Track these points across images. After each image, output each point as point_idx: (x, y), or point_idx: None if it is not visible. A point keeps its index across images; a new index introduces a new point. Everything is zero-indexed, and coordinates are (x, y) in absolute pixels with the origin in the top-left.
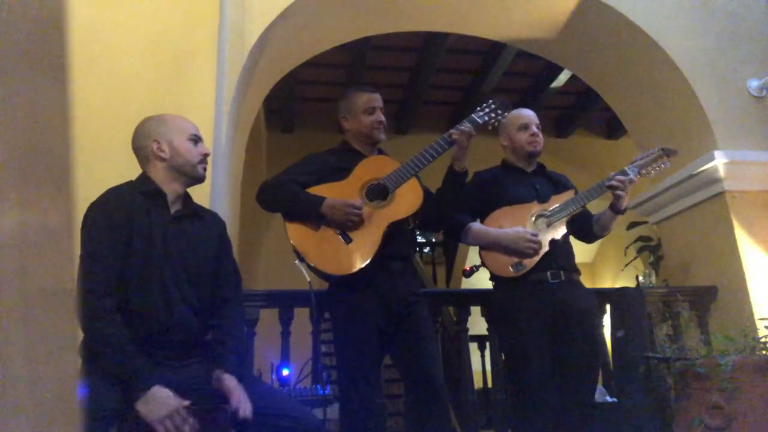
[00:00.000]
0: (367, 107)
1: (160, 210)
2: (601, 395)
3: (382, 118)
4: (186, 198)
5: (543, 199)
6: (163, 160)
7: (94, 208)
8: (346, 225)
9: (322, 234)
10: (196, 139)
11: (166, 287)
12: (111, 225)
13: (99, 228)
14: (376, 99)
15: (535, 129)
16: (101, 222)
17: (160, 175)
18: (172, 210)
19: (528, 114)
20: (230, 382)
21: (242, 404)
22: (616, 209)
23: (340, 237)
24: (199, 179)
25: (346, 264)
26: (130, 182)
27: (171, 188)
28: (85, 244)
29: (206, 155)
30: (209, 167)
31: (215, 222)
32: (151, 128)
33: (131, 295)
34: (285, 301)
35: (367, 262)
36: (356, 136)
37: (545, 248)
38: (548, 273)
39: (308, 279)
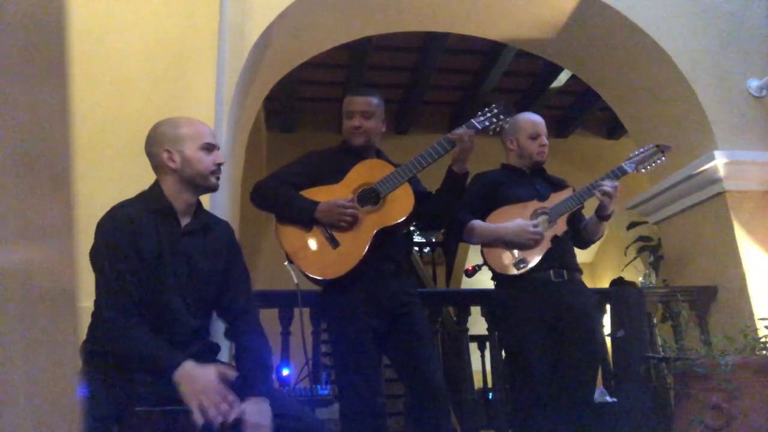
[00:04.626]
0: (345, 111)
1: (169, 225)
2: (601, 395)
3: (357, 123)
4: (198, 208)
5: (543, 198)
6: (174, 171)
7: (99, 233)
8: (339, 225)
9: (311, 237)
10: (210, 148)
11: (174, 304)
12: (117, 250)
13: (106, 255)
14: (354, 102)
15: (545, 140)
16: (108, 249)
17: (170, 185)
18: (183, 222)
19: (541, 123)
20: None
21: None
22: (601, 215)
23: (327, 241)
24: (212, 189)
25: (331, 269)
26: (140, 196)
27: (182, 199)
28: (97, 273)
29: (220, 165)
30: None
31: (225, 233)
32: (164, 135)
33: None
34: (285, 302)
35: (351, 268)
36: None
37: (547, 244)
38: (551, 272)
39: (296, 281)
